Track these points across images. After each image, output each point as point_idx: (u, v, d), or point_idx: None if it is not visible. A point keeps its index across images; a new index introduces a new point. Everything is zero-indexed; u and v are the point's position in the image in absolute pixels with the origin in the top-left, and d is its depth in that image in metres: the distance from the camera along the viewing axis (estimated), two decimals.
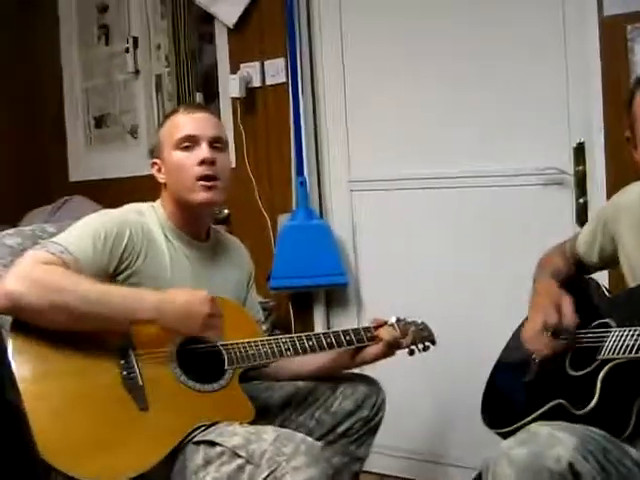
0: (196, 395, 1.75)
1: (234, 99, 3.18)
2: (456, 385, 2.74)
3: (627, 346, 1.51)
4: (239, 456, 1.62)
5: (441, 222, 2.87)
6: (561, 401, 1.62)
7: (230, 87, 3.16)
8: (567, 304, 1.71)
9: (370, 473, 2.74)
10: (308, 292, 3.12)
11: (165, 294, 1.75)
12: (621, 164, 2.13)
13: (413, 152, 2.90)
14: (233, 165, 1.96)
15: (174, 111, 2.02)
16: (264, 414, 1.92)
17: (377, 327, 2.09)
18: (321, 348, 1.98)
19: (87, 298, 1.64)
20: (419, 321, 2.19)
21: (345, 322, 3.05)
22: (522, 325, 1.85)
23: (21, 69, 3.74)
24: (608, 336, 1.60)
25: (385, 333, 2.06)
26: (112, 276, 1.78)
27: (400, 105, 2.91)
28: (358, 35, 3.00)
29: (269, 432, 1.67)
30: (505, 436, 1.53)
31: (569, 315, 1.69)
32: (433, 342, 2.20)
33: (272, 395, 2.06)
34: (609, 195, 2.13)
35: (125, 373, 1.68)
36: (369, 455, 2.12)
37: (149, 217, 1.92)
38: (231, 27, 3.18)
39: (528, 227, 2.63)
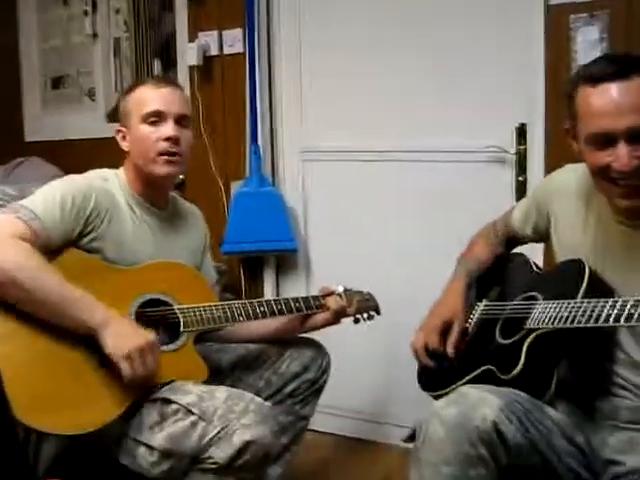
0: None
1: (191, 67, 3.19)
2: (396, 350, 2.75)
3: (550, 317, 1.59)
4: (193, 413, 1.71)
5: (387, 194, 2.94)
6: (490, 367, 1.70)
7: (188, 55, 3.17)
8: (454, 332, 1.85)
9: (314, 431, 2.83)
10: (259, 257, 3.17)
11: (115, 317, 1.73)
12: (559, 146, 2.20)
13: (363, 125, 2.96)
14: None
15: (142, 82, 2.03)
16: (216, 374, 1.99)
17: (325, 296, 2.17)
18: (272, 314, 2.06)
19: (45, 289, 1.67)
20: (365, 291, 2.29)
21: (294, 288, 3.13)
22: None
23: None
24: (534, 308, 1.68)
25: (332, 302, 2.15)
26: (76, 239, 1.82)
27: (353, 78, 2.95)
28: (314, 7, 3.03)
29: (221, 391, 1.76)
30: (438, 399, 1.58)
31: (450, 346, 1.84)
32: (377, 312, 2.30)
33: (224, 357, 2.14)
34: (547, 174, 2.16)
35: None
36: (313, 414, 2.21)
37: (112, 184, 1.96)
38: None
39: (470, 201, 2.72)
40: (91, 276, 1.81)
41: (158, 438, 1.72)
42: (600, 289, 1.60)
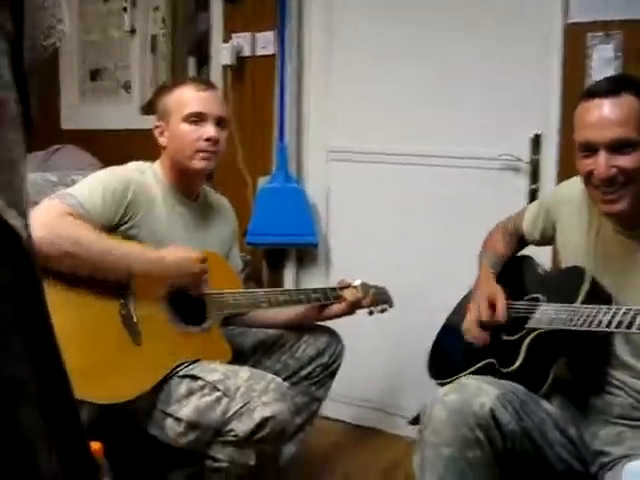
0: (183, 335, 1.96)
1: (224, 66, 3.28)
2: (406, 343, 2.91)
3: (551, 319, 1.71)
4: (218, 389, 1.84)
5: (405, 197, 3.00)
6: (492, 360, 1.81)
7: (221, 55, 3.26)
8: (500, 302, 1.88)
9: (326, 418, 2.95)
10: (281, 250, 3.26)
11: (162, 251, 1.93)
12: (572, 157, 2.25)
13: (386, 129, 3.02)
14: None
15: (182, 82, 2.14)
16: (238, 356, 2.11)
17: (342, 288, 2.28)
18: (292, 303, 2.18)
19: (96, 251, 1.82)
20: (380, 286, 2.39)
21: (313, 280, 3.20)
22: (467, 295, 2.04)
23: None
24: (537, 309, 1.79)
25: (349, 294, 2.26)
26: (115, 227, 1.95)
27: (381, 83, 3.01)
28: (346, 13, 3.09)
29: (244, 371, 1.90)
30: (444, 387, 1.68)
31: (500, 313, 1.86)
32: (390, 305, 2.41)
33: (245, 340, 2.25)
34: (558, 183, 2.28)
35: (124, 312, 1.87)
36: (326, 397, 2.32)
37: (148, 176, 2.07)
38: None
39: (484, 207, 2.76)
40: None
41: (185, 411, 1.85)
42: (599, 295, 1.70)
